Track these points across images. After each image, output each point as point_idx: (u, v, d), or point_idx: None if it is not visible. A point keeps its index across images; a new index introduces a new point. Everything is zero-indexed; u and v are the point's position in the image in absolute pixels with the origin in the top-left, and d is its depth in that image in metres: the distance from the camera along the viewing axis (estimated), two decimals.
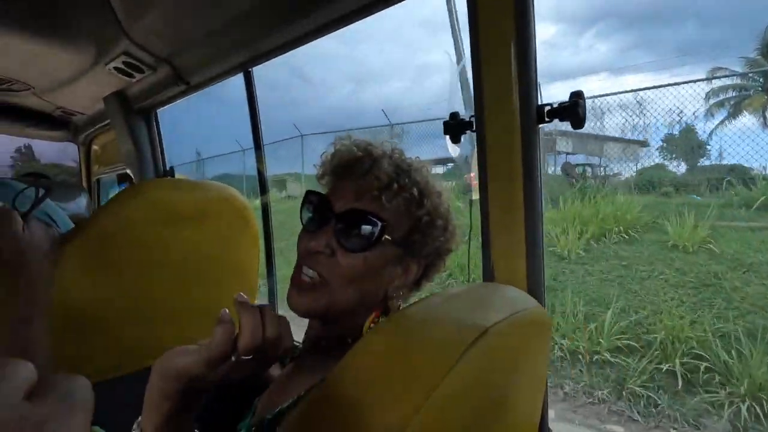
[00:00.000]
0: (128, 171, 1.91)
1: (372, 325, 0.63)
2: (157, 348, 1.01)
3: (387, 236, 0.61)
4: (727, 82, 8.66)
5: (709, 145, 7.19)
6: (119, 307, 0.93)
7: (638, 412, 3.17)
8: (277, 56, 1.24)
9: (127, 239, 0.90)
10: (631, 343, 3.75)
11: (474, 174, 0.84)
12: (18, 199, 0.78)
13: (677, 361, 3.43)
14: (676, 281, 4.39)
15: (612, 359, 3.68)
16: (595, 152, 7.87)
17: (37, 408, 0.21)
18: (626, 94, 6.26)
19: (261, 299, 1.32)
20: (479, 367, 0.41)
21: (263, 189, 1.69)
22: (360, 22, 1.02)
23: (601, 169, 7.91)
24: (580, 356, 3.79)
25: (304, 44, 1.15)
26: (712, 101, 8.66)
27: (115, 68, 1.48)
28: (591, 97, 6.52)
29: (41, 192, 0.84)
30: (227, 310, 0.47)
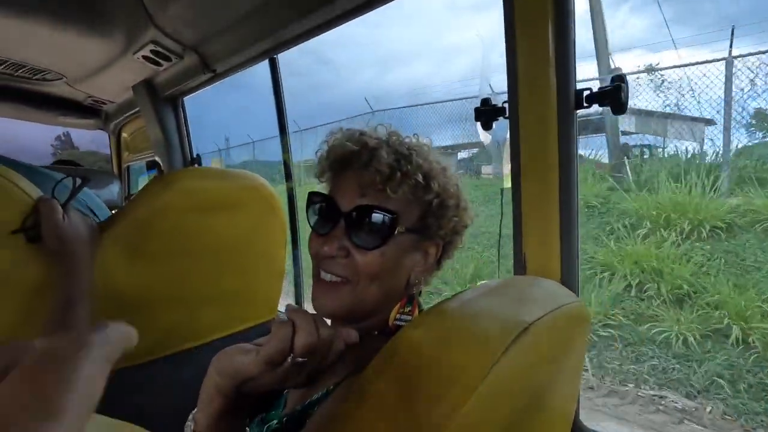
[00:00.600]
0: (156, 158, 1.95)
1: (399, 315, 0.62)
2: (192, 331, 1.06)
3: (399, 227, 0.59)
4: None
5: None
6: (155, 292, 0.96)
7: None
8: (301, 42, 1.24)
9: (160, 227, 0.92)
10: None
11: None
12: (56, 189, 0.81)
13: None
14: None
15: None
16: (658, 132, 7.10)
17: None
18: (674, 70, 5.73)
19: (286, 285, 1.34)
20: (521, 364, 0.41)
21: (288, 176, 1.70)
22: (384, 6, 1.00)
23: (661, 150, 7.12)
24: None
25: (328, 30, 1.14)
26: None
27: (144, 57, 1.50)
28: (634, 73, 5.97)
29: (78, 182, 0.87)
30: (282, 313, 0.47)
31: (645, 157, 6.97)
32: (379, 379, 0.40)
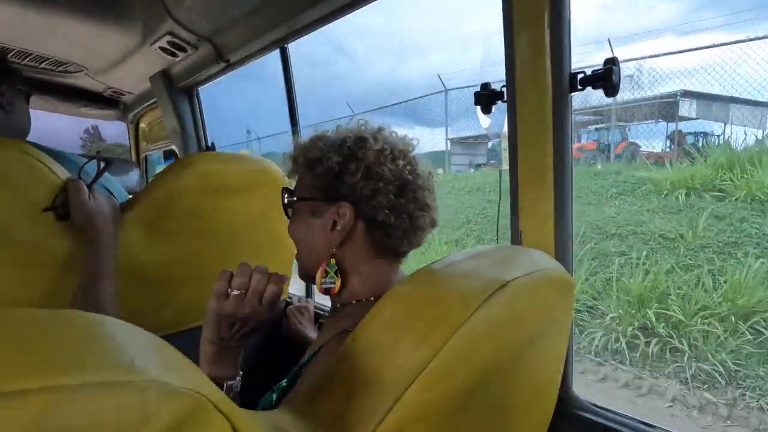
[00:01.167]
0: (173, 147, 2.02)
1: (323, 278, 0.68)
2: (206, 309, 1.12)
3: (290, 197, 0.74)
4: None
5: None
6: (173, 270, 1.02)
7: None
8: (313, 31, 1.27)
9: (178, 208, 0.98)
10: None
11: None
12: (82, 171, 0.87)
13: None
14: None
15: None
16: (720, 117, 6.79)
17: None
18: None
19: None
20: (497, 317, 0.45)
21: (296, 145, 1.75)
22: None
23: (718, 138, 6.66)
24: None
25: (339, 18, 1.17)
26: None
27: (160, 48, 1.55)
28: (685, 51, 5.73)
29: (102, 165, 0.93)
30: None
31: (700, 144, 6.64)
32: (370, 331, 0.45)
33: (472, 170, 10.78)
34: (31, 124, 1.09)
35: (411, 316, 0.43)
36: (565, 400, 0.82)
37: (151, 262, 0.97)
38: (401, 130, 0.74)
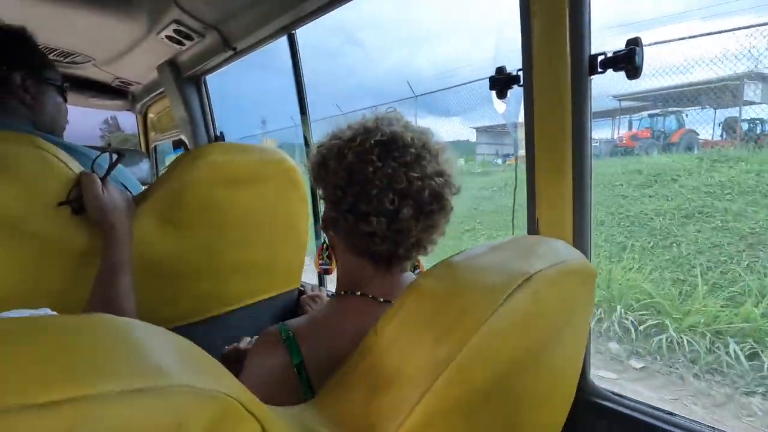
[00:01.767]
0: (182, 137, 2.02)
1: (320, 260, 0.77)
2: (221, 299, 1.13)
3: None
4: None
5: None
6: (186, 262, 1.02)
7: None
8: (320, 17, 1.25)
9: (190, 200, 0.97)
10: None
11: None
12: (95, 164, 0.87)
13: None
14: None
15: None
16: None
17: None
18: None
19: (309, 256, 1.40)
20: (522, 311, 0.44)
21: (309, 154, 1.74)
22: None
23: None
24: None
25: (346, 3, 1.15)
26: None
27: (167, 37, 1.54)
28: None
29: (114, 157, 0.93)
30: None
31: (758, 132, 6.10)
32: (393, 326, 0.44)
33: (500, 161, 10.25)
34: (65, 118, 1.08)
35: (434, 312, 0.42)
36: (584, 388, 0.81)
37: (166, 253, 0.97)
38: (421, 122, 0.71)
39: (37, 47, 1.02)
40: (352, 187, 0.62)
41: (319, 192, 0.70)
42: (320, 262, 0.74)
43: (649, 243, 4.42)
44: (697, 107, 6.90)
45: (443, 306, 0.42)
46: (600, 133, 8.30)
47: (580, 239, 0.76)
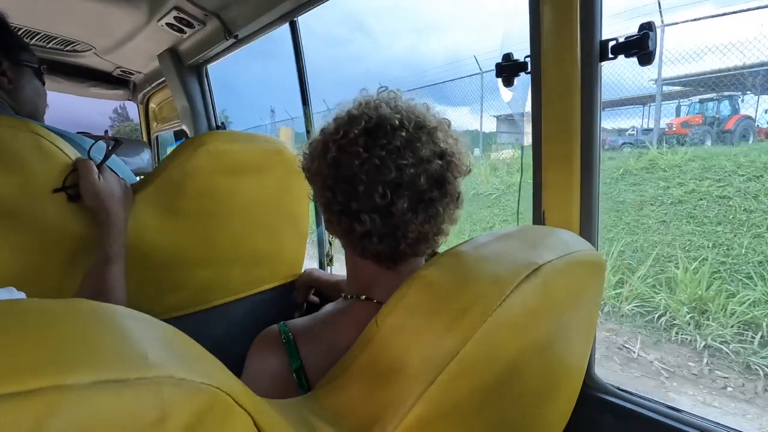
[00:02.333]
0: (183, 127, 2.00)
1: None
2: (222, 289, 1.12)
3: None
4: None
5: None
6: (187, 251, 1.01)
7: None
8: (321, 4, 1.22)
9: (190, 188, 0.96)
10: None
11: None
12: (91, 151, 0.85)
13: None
14: None
15: None
16: None
17: None
18: None
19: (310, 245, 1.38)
20: (530, 302, 0.42)
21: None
22: None
23: None
24: None
25: None
26: None
27: (167, 24, 1.52)
28: None
29: (111, 145, 0.91)
30: None
31: None
32: (395, 317, 0.42)
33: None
34: (44, 103, 1.05)
35: (438, 302, 0.41)
36: (589, 383, 0.80)
37: (165, 243, 0.95)
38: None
39: (11, 30, 0.98)
40: (339, 185, 0.57)
41: (310, 194, 0.65)
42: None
43: None
44: (738, 92, 6.37)
45: (448, 296, 0.41)
46: (631, 121, 7.64)
47: (587, 232, 0.75)
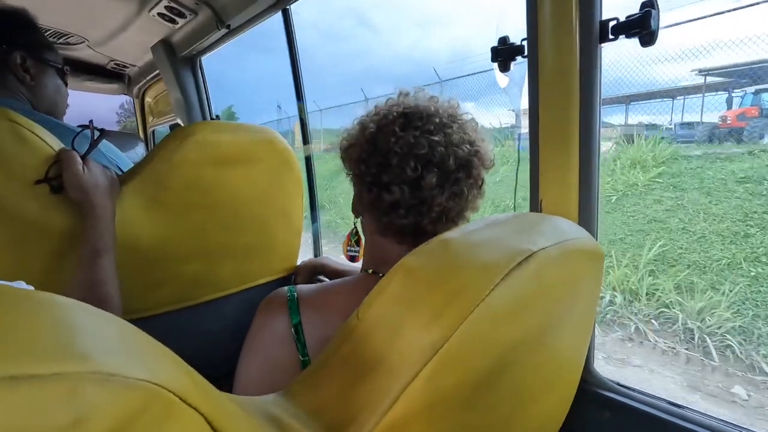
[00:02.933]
0: (178, 120, 1.98)
1: (348, 248, 0.78)
2: (211, 284, 1.09)
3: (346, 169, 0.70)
4: None
5: None
6: (175, 245, 0.98)
7: None
8: None
9: (178, 180, 0.93)
10: None
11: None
12: (76, 141, 0.83)
13: None
14: None
15: None
16: None
17: None
18: None
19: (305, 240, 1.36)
20: (522, 291, 0.39)
21: (305, 139, 1.70)
22: None
23: None
24: None
25: None
26: None
27: (159, 14, 1.49)
28: None
29: (96, 134, 0.89)
30: None
31: None
32: (380, 306, 0.40)
33: None
34: (65, 102, 1.08)
35: (423, 291, 0.38)
36: (586, 378, 0.77)
37: (152, 236, 0.93)
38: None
39: (38, 29, 1.02)
40: (374, 157, 0.62)
41: (346, 170, 0.69)
42: (348, 248, 0.76)
43: None
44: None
45: (434, 285, 0.38)
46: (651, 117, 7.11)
47: (586, 221, 0.72)
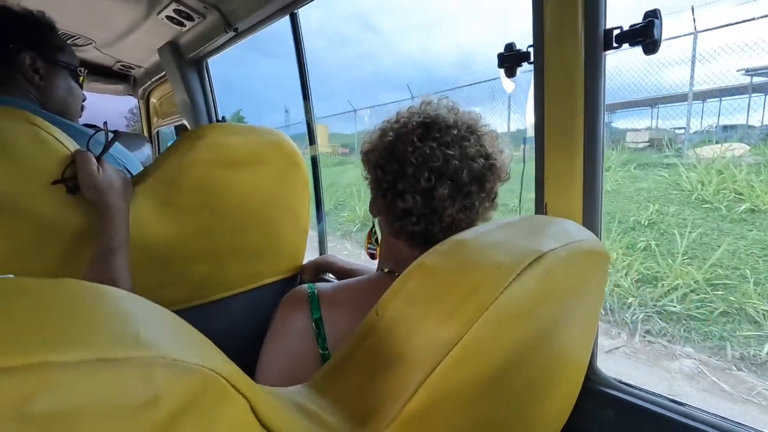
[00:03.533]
0: (184, 121, 2.00)
1: (368, 245, 0.83)
2: (221, 283, 1.11)
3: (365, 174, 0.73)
4: None
5: None
6: (185, 245, 1.00)
7: None
8: None
9: (189, 181, 0.95)
10: None
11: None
12: (90, 143, 0.85)
13: None
14: None
15: None
16: None
17: None
18: None
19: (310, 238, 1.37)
20: (532, 291, 0.41)
21: (311, 140, 1.72)
22: None
23: None
24: None
25: None
26: None
27: (167, 17, 1.51)
28: None
29: (110, 136, 0.91)
30: None
31: None
32: (394, 305, 0.42)
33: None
34: (78, 103, 1.10)
35: (439, 290, 0.40)
36: (591, 376, 0.79)
37: (163, 236, 0.95)
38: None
39: (52, 30, 1.03)
40: (390, 165, 0.64)
41: (364, 173, 0.72)
42: (368, 246, 0.80)
43: None
44: None
45: (449, 284, 0.40)
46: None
47: (590, 224, 0.74)
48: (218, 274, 1.09)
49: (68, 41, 1.85)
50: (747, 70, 6.11)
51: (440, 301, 0.39)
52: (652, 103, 7.34)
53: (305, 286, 0.68)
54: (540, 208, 0.78)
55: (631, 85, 6.02)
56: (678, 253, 3.60)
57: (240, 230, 1.07)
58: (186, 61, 1.79)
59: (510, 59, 0.79)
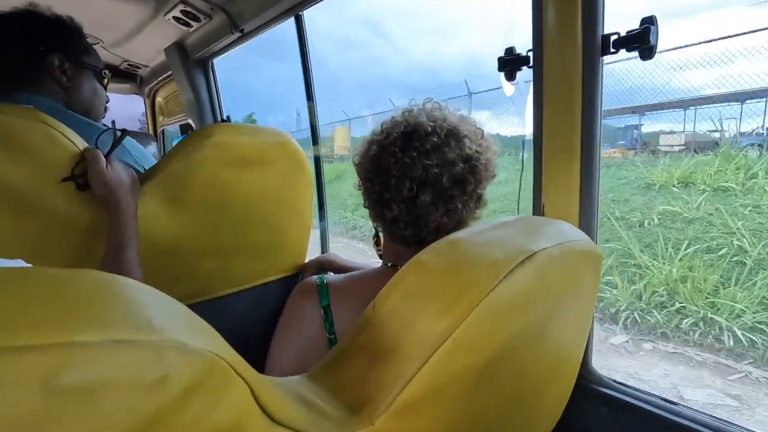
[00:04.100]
0: (189, 121, 2.02)
1: (376, 246, 0.84)
2: (226, 280, 1.13)
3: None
4: None
5: None
6: (192, 242, 1.02)
7: None
8: None
9: (196, 179, 0.97)
10: None
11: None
12: (99, 140, 0.87)
13: None
14: None
15: None
16: None
17: None
18: None
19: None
20: (524, 288, 0.43)
21: (315, 140, 1.74)
22: None
23: None
24: None
25: None
26: None
27: (174, 18, 1.53)
28: None
29: (119, 134, 0.93)
30: None
31: None
32: (391, 301, 0.43)
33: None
34: (102, 104, 1.13)
35: (434, 285, 0.42)
36: (584, 375, 0.81)
37: (170, 233, 0.97)
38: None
39: (79, 33, 1.07)
40: (377, 176, 0.68)
41: (355, 185, 0.76)
42: (377, 248, 0.83)
43: None
44: None
45: (444, 280, 0.42)
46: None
47: (586, 225, 0.75)
48: (224, 270, 1.11)
49: None
50: None
51: (435, 298, 0.41)
52: (684, 105, 6.83)
53: (315, 277, 0.72)
54: (538, 209, 0.80)
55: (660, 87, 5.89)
56: None
57: (246, 228, 1.09)
58: (192, 62, 1.82)
59: (510, 63, 0.81)
